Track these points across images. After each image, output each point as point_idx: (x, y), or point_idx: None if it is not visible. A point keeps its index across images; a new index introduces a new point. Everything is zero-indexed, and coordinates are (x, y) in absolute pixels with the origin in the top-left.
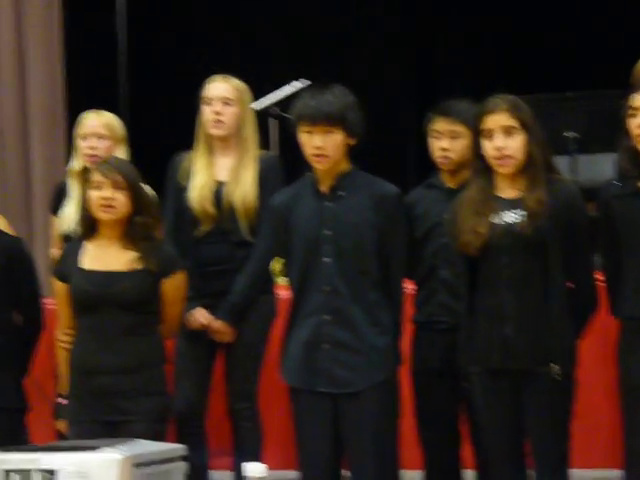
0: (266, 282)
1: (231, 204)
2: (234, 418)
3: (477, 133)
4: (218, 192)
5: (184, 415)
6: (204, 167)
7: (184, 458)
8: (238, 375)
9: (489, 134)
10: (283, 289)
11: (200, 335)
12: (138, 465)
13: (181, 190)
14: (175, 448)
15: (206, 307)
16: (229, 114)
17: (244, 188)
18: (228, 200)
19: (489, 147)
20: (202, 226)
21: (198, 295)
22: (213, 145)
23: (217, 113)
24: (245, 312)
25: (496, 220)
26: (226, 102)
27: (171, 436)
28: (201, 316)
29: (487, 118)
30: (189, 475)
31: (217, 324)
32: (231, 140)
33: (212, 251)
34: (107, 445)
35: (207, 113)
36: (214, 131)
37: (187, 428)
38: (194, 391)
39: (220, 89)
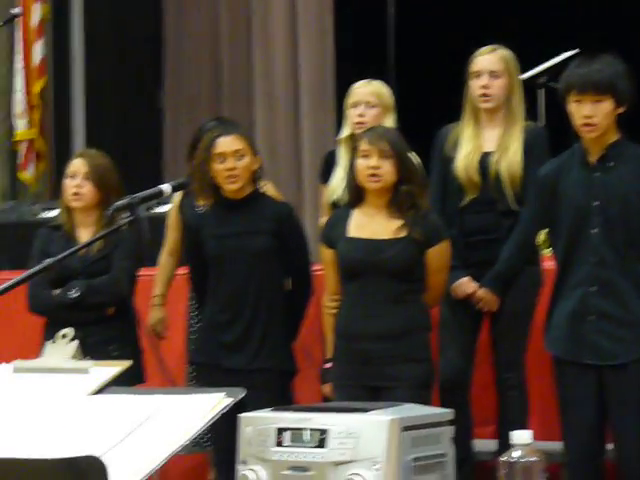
0: (533, 252)
1: (497, 173)
2: (500, 387)
3: None
4: (484, 161)
5: (449, 383)
6: (471, 138)
7: (451, 422)
8: (505, 345)
9: None
10: (548, 260)
11: (465, 304)
12: (406, 428)
13: (448, 160)
14: (443, 412)
15: (471, 277)
16: (496, 86)
17: (510, 157)
18: (494, 169)
19: None
20: (467, 195)
21: (463, 264)
22: (480, 116)
23: (485, 87)
24: (511, 282)
25: None
26: (493, 74)
27: (435, 403)
28: (467, 286)
29: None
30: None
31: (482, 292)
32: (499, 111)
33: (477, 220)
34: (377, 407)
35: (475, 87)
36: (483, 105)
37: (451, 396)
38: (460, 360)
39: (487, 62)
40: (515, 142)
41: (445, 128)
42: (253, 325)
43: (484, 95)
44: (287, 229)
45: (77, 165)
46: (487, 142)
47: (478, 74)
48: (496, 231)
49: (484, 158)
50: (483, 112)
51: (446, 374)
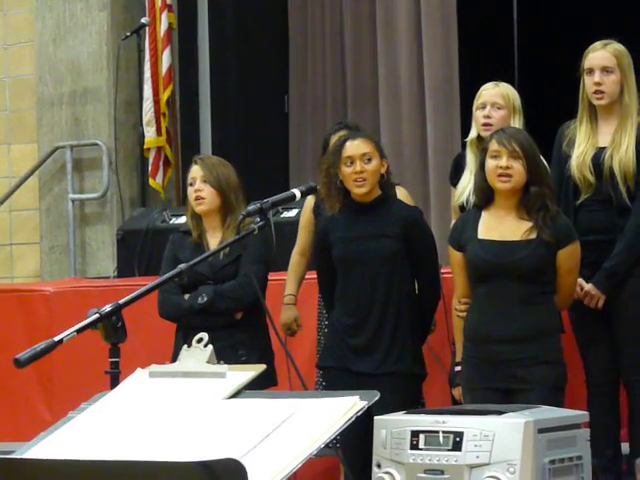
0: None
1: (610, 170)
2: (629, 389)
3: None
4: (597, 158)
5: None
6: (586, 135)
7: (587, 425)
8: (630, 348)
9: None
10: None
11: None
12: (542, 430)
13: (565, 159)
14: (578, 414)
15: (584, 277)
16: (609, 82)
17: (622, 152)
18: (607, 165)
19: None
20: (583, 194)
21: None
22: (595, 113)
23: (597, 84)
24: (620, 279)
25: None
26: (606, 70)
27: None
28: (578, 285)
29: None
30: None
31: (588, 287)
32: (613, 107)
33: (592, 219)
34: (511, 410)
35: (589, 84)
36: (597, 102)
37: (599, 397)
38: (603, 360)
39: (599, 58)
40: (628, 138)
41: (564, 126)
42: (381, 329)
43: (597, 92)
44: (415, 233)
45: (194, 171)
46: (602, 138)
47: (591, 71)
48: (611, 231)
49: (598, 155)
50: (598, 108)
51: (594, 374)
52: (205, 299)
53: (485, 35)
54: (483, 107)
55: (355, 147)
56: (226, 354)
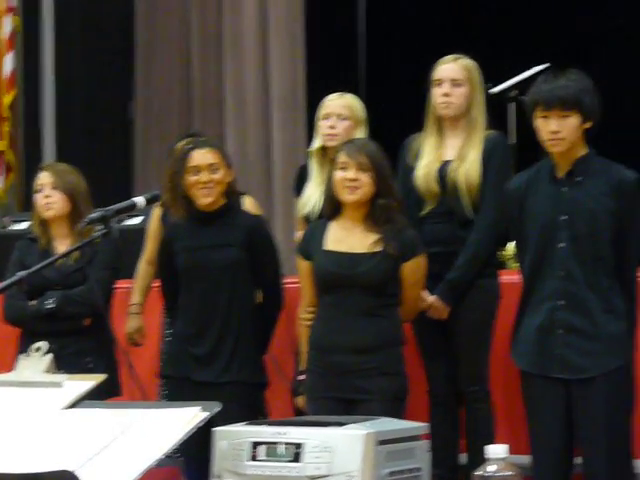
0: (490, 265)
1: (455, 183)
2: (466, 400)
3: None
4: (443, 171)
5: (437, 394)
6: (432, 147)
7: (427, 436)
8: (466, 358)
9: None
10: (513, 274)
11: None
12: (382, 442)
13: (410, 170)
14: (418, 426)
15: (427, 289)
16: (458, 95)
17: (468, 165)
18: (452, 178)
19: None
20: (427, 206)
21: None
22: (442, 126)
23: (446, 95)
24: (463, 291)
25: None
26: (455, 83)
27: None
28: (424, 297)
29: None
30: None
31: (432, 299)
32: (460, 120)
33: (435, 231)
34: (352, 421)
35: (436, 95)
36: (443, 112)
37: (439, 408)
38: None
39: (449, 70)
40: (474, 151)
41: (409, 138)
42: (223, 338)
43: (444, 103)
44: (258, 241)
45: (43, 178)
46: (449, 151)
47: (440, 82)
48: (452, 243)
49: (443, 168)
50: (444, 121)
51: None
52: (53, 303)
53: (331, 45)
54: (327, 118)
55: (201, 157)
56: (72, 361)
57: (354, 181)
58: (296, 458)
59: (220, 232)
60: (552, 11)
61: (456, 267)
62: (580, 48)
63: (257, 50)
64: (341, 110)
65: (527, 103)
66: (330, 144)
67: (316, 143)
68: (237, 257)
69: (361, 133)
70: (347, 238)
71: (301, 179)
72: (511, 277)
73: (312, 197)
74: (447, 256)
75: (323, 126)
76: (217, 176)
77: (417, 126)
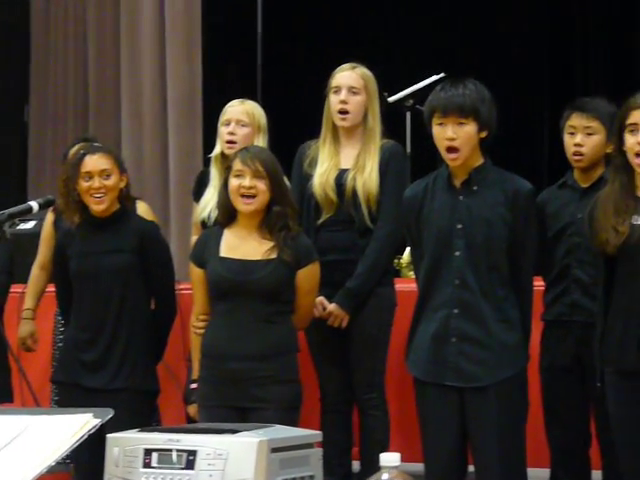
0: (386, 273)
1: (353, 190)
2: (361, 408)
3: (621, 127)
4: (340, 179)
5: (331, 402)
6: (329, 155)
7: (321, 444)
8: (363, 366)
9: (634, 128)
10: (408, 281)
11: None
12: (275, 449)
13: (306, 178)
14: (312, 434)
15: (326, 297)
16: (355, 102)
17: (366, 176)
18: (350, 186)
19: (632, 141)
20: (324, 214)
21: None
22: (339, 133)
23: (343, 102)
24: (362, 299)
25: (637, 221)
26: (352, 91)
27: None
28: (320, 304)
29: (634, 113)
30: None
31: (331, 307)
32: (356, 128)
33: (333, 239)
34: (245, 429)
35: (334, 102)
36: (340, 122)
37: (333, 415)
38: (339, 379)
39: (347, 78)
40: (371, 160)
41: (305, 145)
42: (113, 344)
43: (342, 111)
44: (150, 248)
45: None
46: (346, 159)
47: (337, 89)
48: (351, 251)
49: (341, 176)
50: (341, 129)
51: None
52: None
53: (230, 50)
54: (227, 124)
55: (94, 162)
56: None
57: (250, 189)
58: (189, 465)
59: (112, 238)
60: (448, 22)
61: (356, 275)
62: (475, 58)
63: (154, 54)
64: (241, 116)
65: (424, 110)
66: (229, 151)
67: (217, 149)
68: (128, 263)
69: (261, 140)
70: (242, 245)
71: (200, 184)
72: (407, 285)
73: (210, 203)
74: (346, 264)
75: (223, 132)
76: (109, 182)
77: (314, 133)
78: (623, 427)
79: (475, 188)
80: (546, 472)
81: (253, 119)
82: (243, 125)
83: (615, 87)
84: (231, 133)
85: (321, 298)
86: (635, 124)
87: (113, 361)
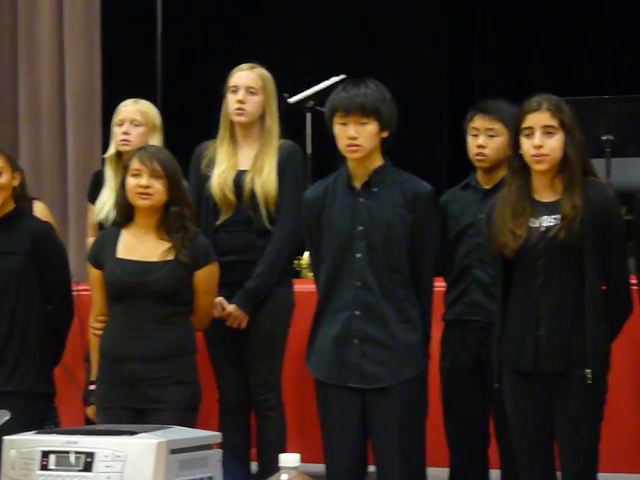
0: (285, 274)
1: (252, 192)
2: (258, 409)
3: (517, 131)
4: (239, 180)
5: (229, 403)
6: (227, 156)
7: (220, 445)
8: (259, 367)
9: (529, 133)
10: (307, 282)
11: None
12: (174, 451)
13: (204, 179)
14: (210, 435)
15: (225, 297)
16: (253, 102)
17: (264, 176)
18: (249, 188)
19: (528, 145)
20: (222, 214)
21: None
22: (236, 133)
23: (240, 101)
24: (262, 300)
25: (533, 224)
26: (250, 91)
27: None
28: (219, 305)
29: (528, 117)
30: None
31: (230, 308)
32: (254, 128)
33: (232, 240)
34: (144, 430)
35: (231, 102)
36: (237, 119)
37: (231, 416)
38: (237, 380)
39: (244, 78)
40: (269, 161)
41: (202, 145)
42: (7, 346)
43: (239, 110)
44: (44, 249)
45: None
46: (243, 159)
47: (235, 89)
48: (250, 252)
49: (239, 176)
50: (238, 129)
51: (228, 394)
52: None
53: (129, 51)
54: (121, 124)
55: None
56: None
57: (147, 188)
58: (87, 467)
59: (5, 239)
60: (349, 22)
61: (255, 276)
62: (376, 60)
63: (53, 54)
64: (135, 116)
65: (326, 110)
66: (123, 150)
67: (111, 149)
68: (21, 265)
69: (156, 140)
70: (139, 246)
71: (96, 185)
72: (306, 286)
73: (107, 203)
74: (245, 265)
75: (117, 132)
76: (1, 180)
77: (212, 133)
78: (520, 427)
79: (375, 190)
80: (445, 471)
81: (147, 118)
82: (137, 125)
83: (512, 90)
84: (125, 133)
85: (220, 299)
86: (530, 128)
87: (6, 364)
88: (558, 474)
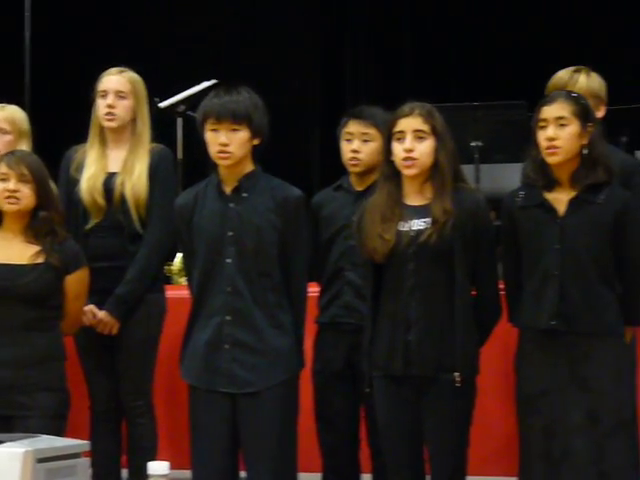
0: (156, 280)
1: (122, 195)
2: (128, 415)
3: (390, 137)
4: (108, 183)
5: (100, 410)
6: (96, 159)
7: (88, 454)
8: (130, 373)
9: (400, 137)
10: (179, 288)
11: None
12: (41, 460)
13: (73, 183)
14: (79, 444)
15: (96, 304)
16: (122, 107)
17: (135, 178)
18: (119, 191)
19: (399, 149)
20: (92, 219)
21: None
22: (106, 138)
23: (110, 106)
24: (132, 306)
25: (403, 227)
26: (120, 95)
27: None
28: (89, 313)
29: (400, 121)
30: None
31: (101, 314)
32: (124, 132)
33: (102, 245)
34: (10, 439)
35: (101, 106)
36: (107, 124)
37: (102, 423)
38: (107, 386)
39: (114, 82)
40: (140, 164)
41: (71, 150)
42: None
43: (108, 114)
44: None
45: None
46: (113, 163)
47: (104, 94)
48: (121, 258)
49: (109, 179)
50: (108, 132)
51: (98, 400)
52: None
53: None
54: None
55: None
56: None
57: (15, 192)
58: None
59: None
60: (223, 26)
61: (125, 282)
62: (249, 65)
63: None
64: (2, 124)
65: (197, 116)
66: None
67: None
68: None
69: (25, 145)
70: (6, 249)
71: None
72: (178, 292)
73: None
74: (115, 270)
75: None
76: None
77: (83, 137)
78: (389, 431)
79: (245, 195)
80: (317, 476)
81: (14, 125)
82: (4, 133)
83: (384, 97)
84: None
85: (91, 306)
86: (402, 132)
87: None
88: (428, 478)
